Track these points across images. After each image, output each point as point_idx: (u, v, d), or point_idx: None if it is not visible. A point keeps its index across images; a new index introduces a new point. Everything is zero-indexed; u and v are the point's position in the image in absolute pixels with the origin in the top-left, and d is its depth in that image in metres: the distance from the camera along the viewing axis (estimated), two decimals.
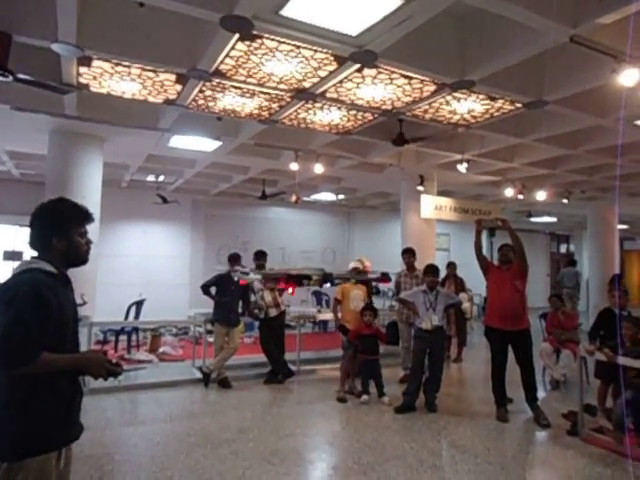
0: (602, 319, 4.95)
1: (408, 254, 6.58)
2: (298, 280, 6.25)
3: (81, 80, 4.57)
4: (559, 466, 3.88)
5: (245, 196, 11.54)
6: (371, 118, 5.57)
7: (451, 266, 8.25)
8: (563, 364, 6.12)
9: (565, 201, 9.66)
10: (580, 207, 11.37)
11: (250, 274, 5.99)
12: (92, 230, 2.07)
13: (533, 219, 13.82)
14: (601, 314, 5.06)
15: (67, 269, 1.97)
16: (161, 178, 9.43)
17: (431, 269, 5.33)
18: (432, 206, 7.84)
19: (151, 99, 5.02)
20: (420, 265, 6.06)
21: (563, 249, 18.94)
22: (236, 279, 6.11)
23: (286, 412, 5.07)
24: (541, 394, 5.85)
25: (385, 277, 7.04)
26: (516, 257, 4.93)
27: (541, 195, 8.95)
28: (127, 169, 8.61)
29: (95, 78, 4.53)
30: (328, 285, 6.22)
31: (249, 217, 12.26)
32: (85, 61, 4.13)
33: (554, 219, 14.32)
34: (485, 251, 5.49)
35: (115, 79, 4.51)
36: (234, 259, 6.20)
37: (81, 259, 2.00)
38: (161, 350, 7.74)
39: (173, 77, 4.42)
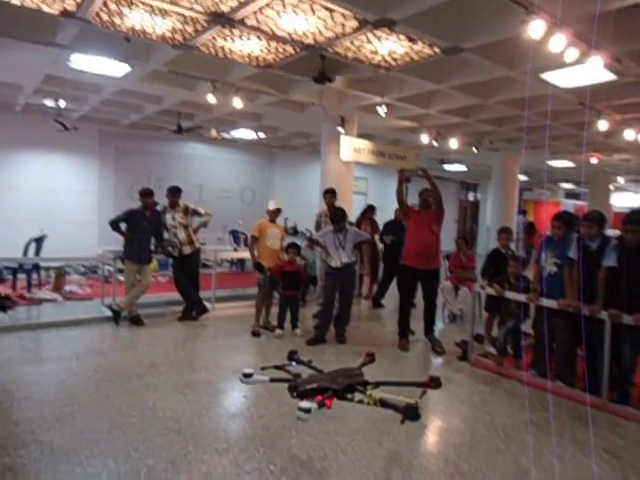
0: (492, 259, 5.45)
1: (329, 195, 6.66)
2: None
3: None
4: (449, 387, 4.35)
5: (160, 129, 10.85)
6: (293, 52, 5.38)
7: (370, 209, 8.52)
8: (461, 300, 6.72)
9: (475, 150, 10.19)
10: (488, 157, 12.09)
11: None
12: None
13: (446, 166, 14.50)
14: (491, 254, 5.58)
15: None
16: (63, 104, 8.54)
17: (338, 214, 5.48)
18: (351, 148, 7.91)
19: (45, 9, 4.42)
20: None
21: (471, 197, 20.22)
22: (147, 214, 5.86)
23: (199, 347, 5.13)
24: (440, 326, 6.44)
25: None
26: (435, 204, 5.23)
27: (453, 143, 9.37)
28: (20, 90, 7.67)
29: None
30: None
31: (164, 152, 11.61)
32: None
33: (464, 168, 15.13)
34: None
35: None
36: (146, 194, 5.92)
37: None
38: (67, 289, 7.36)
39: None
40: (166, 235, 6.15)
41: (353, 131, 8.42)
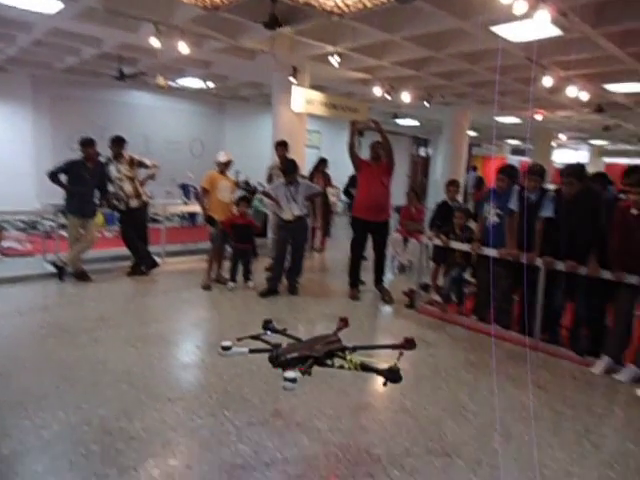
0: (440, 210, 5.64)
1: (281, 147, 6.55)
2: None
3: None
4: (396, 331, 4.57)
5: (100, 75, 10.14)
6: None
7: (322, 162, 8.47)
8: (410, 251, 6.95)
9: (427, 104, 10.24)
10: (439, 112, 12.19)
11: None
12: None
13: (398, 121, 14.54)
14: (439, 206, 5.76)
15: None
16: None
17: (289, 166, 5.42)
18: (303, 99, 7.74)
19: None
20: None
21: (422, 152, 20.49)
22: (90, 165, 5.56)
23: (150, 301, 5.07)
24: (390, 277, 6.66)
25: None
26: (385, 156, 5.27)
27: (406, 97, 9.36)
28: None
29: None
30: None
31: (106, 100, 10.92)
32: None
33: (416, 122, 15.24)
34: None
35: None
36: (87, 144, 5.59)
37: None
38: (4, 245, 6.98)
39: None
40: (111, 188, 5.89)
41: (305, 82, 8.22)
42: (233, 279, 5.66)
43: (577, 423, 3.01)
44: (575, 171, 3.98)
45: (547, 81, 7.12)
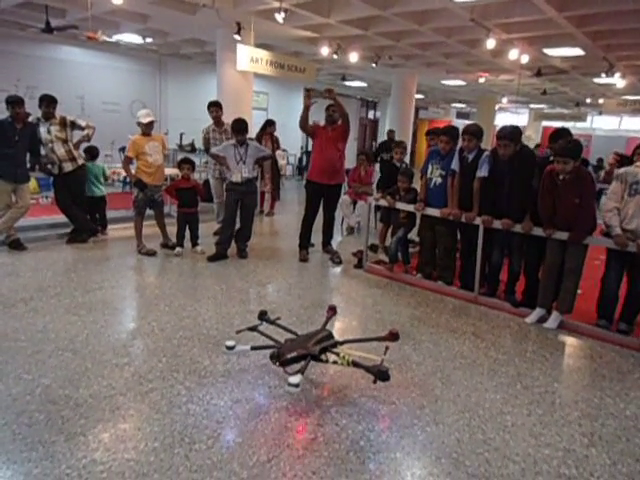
0: (387, 172, 5.72)
1: (215, 107, 6.28)
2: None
3: None
4: (345, 290, 4.68)
5: (24, 27, 9.31)
6: None
7: (270, 124, 8.29)
8: (358, 213, 7.04)
9: (374, 65, 10.18)
10: (387, 74, 12.18)
11: None
12: None
13: (347, 83, 14.41)
14: (386, 168, 5.84)
15: None
16: None
17: (240, 125, 5.26)
18: (248, 58, 7.48)
19: None
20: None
21: (371, 115, 20.51)
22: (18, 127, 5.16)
23: (93, 268, 4.88)
24: (339, 239, 6.75)
25: None
26: (342, 122, 5.24)
27: (353, 57, 9.25)
28: None
29: None
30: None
31: (33, 56, 10.07)
32: None
33: (365, 84, 15.16)
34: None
35: None
36: (15, 102, 5.16)
37: None
38: None
39: None
40: (43, 151, 5.53)
41: (250, 39, 7.94)
42: (180, 244, 5.54)
43: (510, 368, 3.24)
44: (510, 133, 4.09)
45: (490, 43, 7.23)
